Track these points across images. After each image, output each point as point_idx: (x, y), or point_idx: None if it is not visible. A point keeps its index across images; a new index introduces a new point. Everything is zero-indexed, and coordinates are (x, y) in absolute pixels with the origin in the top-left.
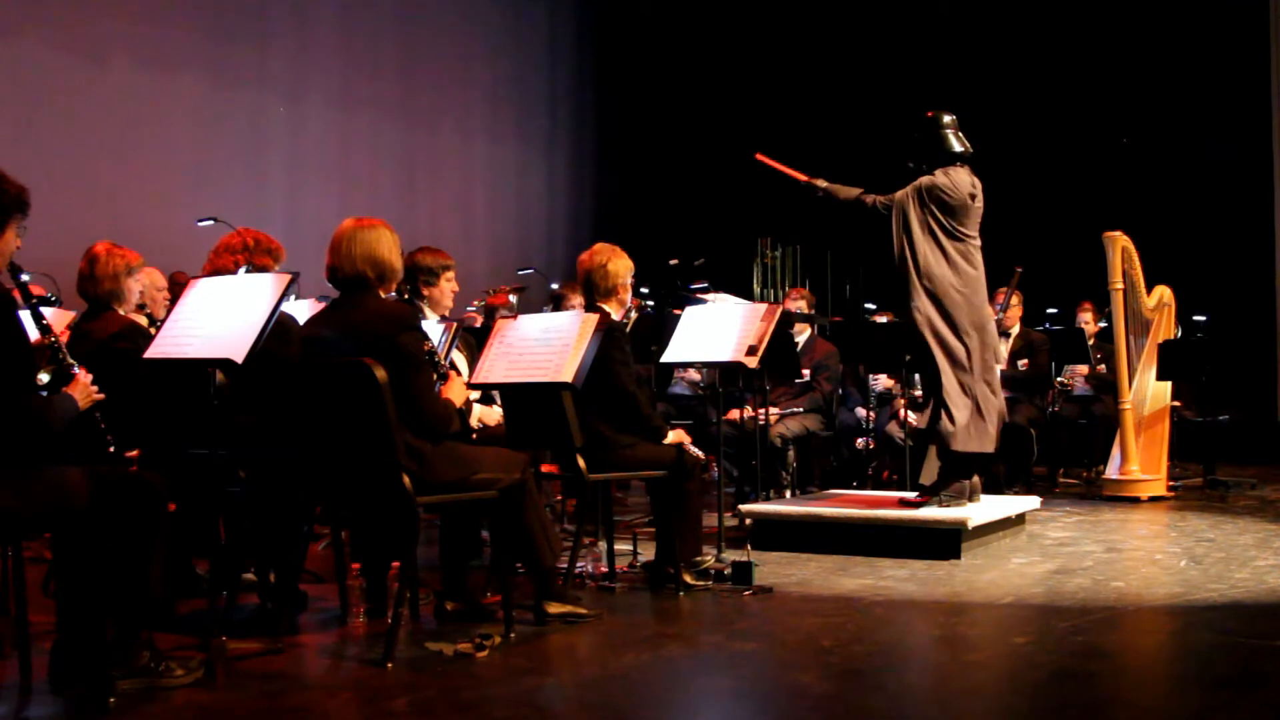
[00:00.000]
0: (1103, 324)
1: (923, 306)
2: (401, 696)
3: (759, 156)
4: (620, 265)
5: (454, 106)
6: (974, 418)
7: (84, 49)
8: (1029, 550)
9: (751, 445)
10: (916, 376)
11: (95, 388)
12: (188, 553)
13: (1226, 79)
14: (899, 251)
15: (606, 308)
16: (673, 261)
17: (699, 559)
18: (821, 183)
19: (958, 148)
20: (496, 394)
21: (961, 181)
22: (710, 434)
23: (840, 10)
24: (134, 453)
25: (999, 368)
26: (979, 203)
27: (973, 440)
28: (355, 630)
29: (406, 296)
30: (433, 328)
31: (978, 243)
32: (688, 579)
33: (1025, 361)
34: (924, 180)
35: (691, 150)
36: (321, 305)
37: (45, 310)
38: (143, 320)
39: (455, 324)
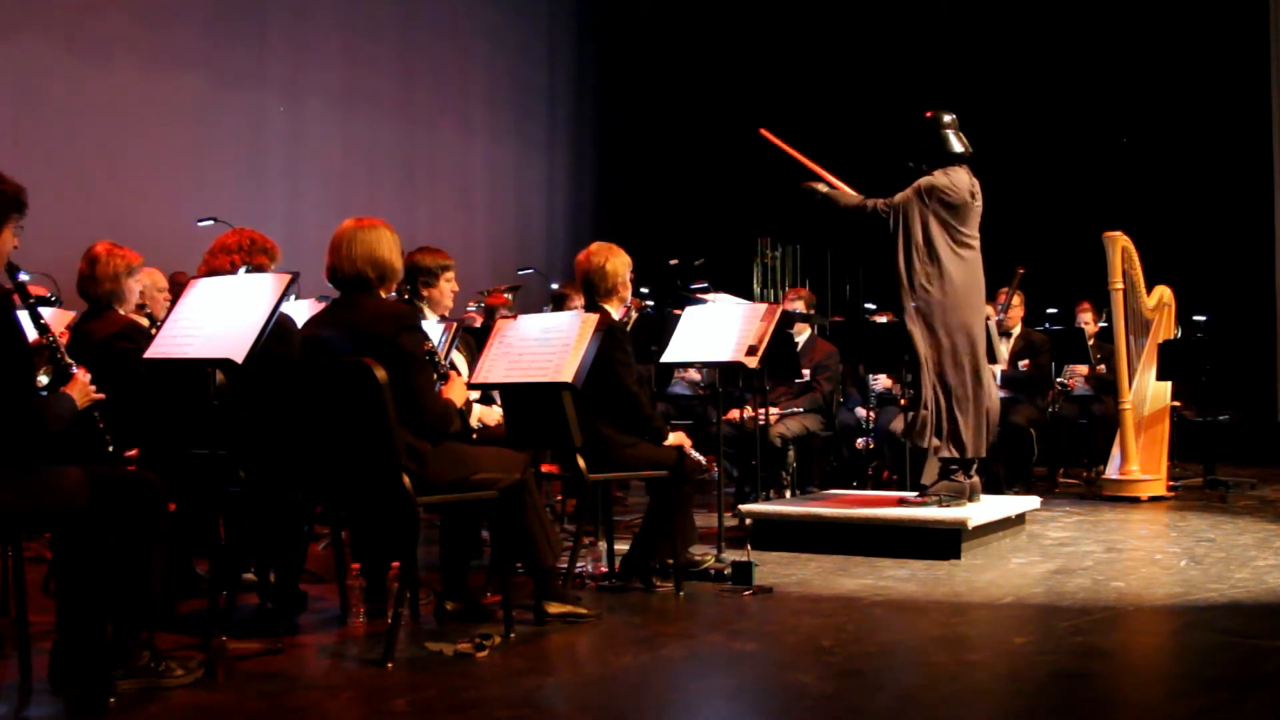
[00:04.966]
0: (1103, 324)
1: (920, 307)
2: (401, 696)
3: (763, 132)
4: (619, 264)
5: (454, 106)
6: (963, 422)
7: (84, 49)
8: (1029, 550)
9: (751, 445)
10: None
11: (94, 387)
12: (188, 553)
13: (1226, 79)
14: (900, 252)
15: (607, 307)
16: (673, 261)
17: (695, 559)
18: (822, 186)
19: (958, 148)
20: (496, 394)
21: (961, 181)
22: (710, 434)
23: (840, 10)
24: (133, 452)
25: (999, 368)
26: (978, 203)
27: (961, 443)
28: (355, 630)
29: (406, 297)
30: (433, 328)
31: (977, 243)
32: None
33: (1026, 362)
34: (924, 181)
35: (691, 150)
36: (321, 305)
37: (45, 310)
38: (143, 320)
39: (455, 324)
